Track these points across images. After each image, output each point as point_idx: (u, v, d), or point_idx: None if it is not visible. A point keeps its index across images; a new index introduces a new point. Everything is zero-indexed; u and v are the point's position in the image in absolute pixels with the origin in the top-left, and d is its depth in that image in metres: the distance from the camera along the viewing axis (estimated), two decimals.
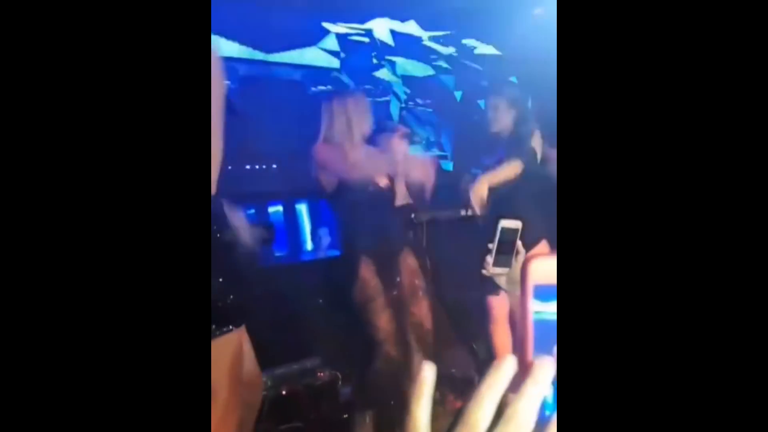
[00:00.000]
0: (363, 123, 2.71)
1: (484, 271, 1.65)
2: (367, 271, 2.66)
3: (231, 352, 1.62)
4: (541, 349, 0.49)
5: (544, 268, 0.51)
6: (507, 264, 1.56)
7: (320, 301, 3.25)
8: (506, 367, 0.47)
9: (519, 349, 0.50)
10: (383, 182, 2.72)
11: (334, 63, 4.64)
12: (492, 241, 1.53)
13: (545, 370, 0.46)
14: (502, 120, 2.92)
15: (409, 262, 2.83)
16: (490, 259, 1.55)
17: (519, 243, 1.56)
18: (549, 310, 0.51)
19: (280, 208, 4.31)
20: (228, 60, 3.77)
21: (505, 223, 1.54)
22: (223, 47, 3.72)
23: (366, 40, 4.51)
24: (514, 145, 2.86)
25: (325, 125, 2.71)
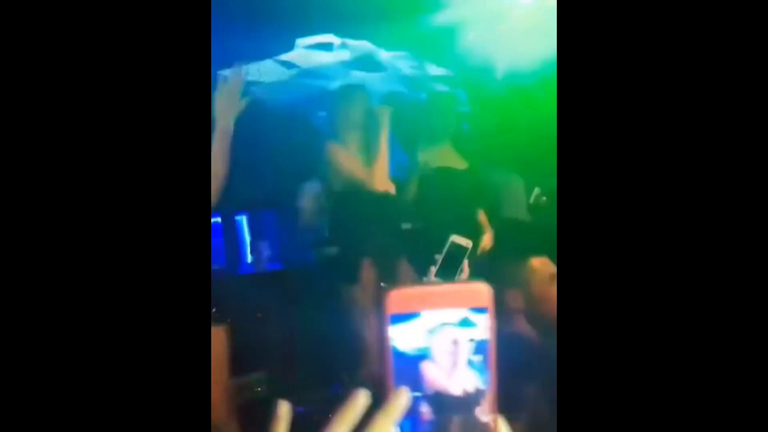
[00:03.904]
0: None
1: (425, 279, 1.66)
2: (367, 274, 2.54)
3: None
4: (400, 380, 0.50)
5: (400, 297, 0.51)
6: (449, 279, 1.58)
7: (259, 315, 3.16)
8: (359, 400, 0.48)
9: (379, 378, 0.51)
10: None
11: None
12: (440, 252, 1.56)
13: (399, 400, 0.47)
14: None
15: (405, 272, 2.70)
16: (433, 269, 1.58)
17: (465, 262, 1.58)
18: (402, 339, 0.51)
19: (218, 219, 4.18)
20: None
21: (456, 239, 1.56)
22: None
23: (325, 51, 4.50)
24: None
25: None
